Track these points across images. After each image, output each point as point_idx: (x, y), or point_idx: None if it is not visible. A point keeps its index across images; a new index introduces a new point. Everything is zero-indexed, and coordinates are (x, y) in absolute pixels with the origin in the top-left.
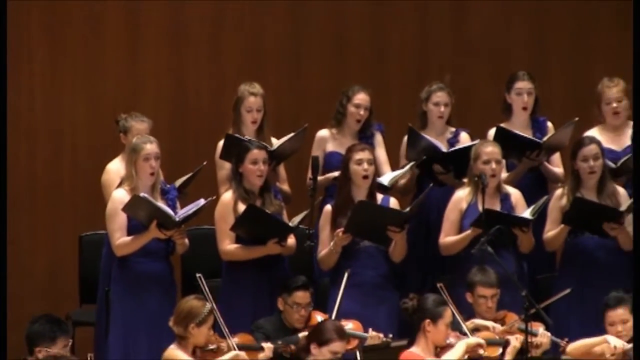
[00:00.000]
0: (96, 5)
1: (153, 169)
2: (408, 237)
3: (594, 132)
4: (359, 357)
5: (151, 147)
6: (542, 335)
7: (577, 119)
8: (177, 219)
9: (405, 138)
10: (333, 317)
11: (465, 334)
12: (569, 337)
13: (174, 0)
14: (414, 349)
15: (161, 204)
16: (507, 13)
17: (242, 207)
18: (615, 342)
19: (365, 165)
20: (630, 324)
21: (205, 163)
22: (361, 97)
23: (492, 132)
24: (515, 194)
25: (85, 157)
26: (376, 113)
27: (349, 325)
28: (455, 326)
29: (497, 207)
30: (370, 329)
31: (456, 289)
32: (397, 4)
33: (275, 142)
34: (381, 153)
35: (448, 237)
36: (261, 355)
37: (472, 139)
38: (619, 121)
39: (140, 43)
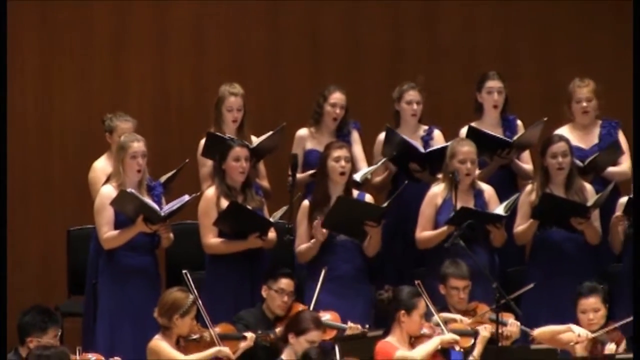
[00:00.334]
0: (85, 11)
1: (140, 166)
2: (383, 232)
3: (563, 131)
4: (337, 348)
5: (138, 145)
6: (512, 325)
7: (545, 118)
8: (163, 214)
9: (380, 136)
10: (311, 309)
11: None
12: (538, 327)
13: (158, 5)
14: (390, 339)
15: (147, 199)
16: (477, 15)
17: (224, 202)
18: (579, 330)
19: (343, 163)
20: (601, 312)
21: (187, 160)
22: (337, 97)
23: (463, 130)
24: (488, 190)
25: (74, 155)
26: (352, 112)
27: (327, 317)
28: (428, 317)
29: (471, 202)
30: (348, 321)
31: (430, 281)
32: (371, 7)
33: (255, 140)
34: (358, 150)
35: (424, 232)
36: (242, 344)
37: (445, 137)
38: (588, 120)
39: (126, 46)
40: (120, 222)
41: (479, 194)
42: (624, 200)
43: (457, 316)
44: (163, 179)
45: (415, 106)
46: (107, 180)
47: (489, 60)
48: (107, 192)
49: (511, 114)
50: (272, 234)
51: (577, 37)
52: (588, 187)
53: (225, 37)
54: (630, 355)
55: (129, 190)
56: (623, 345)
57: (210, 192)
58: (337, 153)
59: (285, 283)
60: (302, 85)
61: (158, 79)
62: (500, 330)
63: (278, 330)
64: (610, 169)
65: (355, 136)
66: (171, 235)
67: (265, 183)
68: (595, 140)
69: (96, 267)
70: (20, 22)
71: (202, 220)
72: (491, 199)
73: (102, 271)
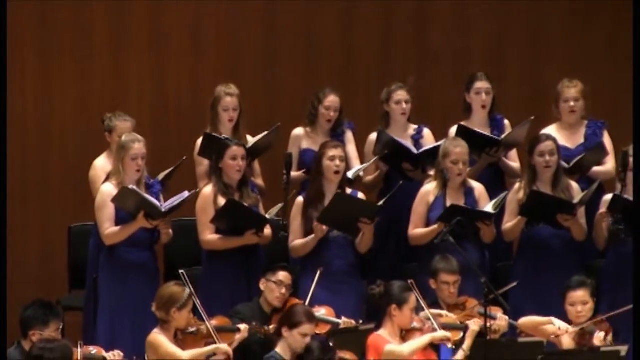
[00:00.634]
0: (84, 12)
1: (139, 167)
2: (376, 229)
3: (551, 130)
4: (330, 341)
5: (139, 146)
6: (501, 319)
7: (532, 118)
8: (164, 210)
9: (372, 135)
10: (307, 304)
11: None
12: None
13: (157, 5)
14: (381, 332)
15: (148, 196)
16: (467, 18)
17: (221, 200)
18: (559, 323)
19: (338, 162)
20: (589, 305)
21: (185, 158)
22: (331, 100)
23: (453, 129)
24: (478, 188)
25: (74, 154)
26: (345, 111)
27: (322, 312)
28: (418, 312)
29: (462, 200)
30: (342, 317)
31: (421, 276)
32: (365, 7)
33: (251, 140)
34: (351, 149)
35: (417, 229)
36: (237, 336)
37: (434, 136)
38: (574, 119)
39: (125, 47)
40: (120, 219)
41: (469, 192)
42: (608, 197)
43: (443, 312)
44: (161, 176)
45: (404, 105)
46: (107, 179)
47: (477, 61)
48: (108, 189)
49: (499, 113)
50: (267, 231)
51: (564, 40)
52: (574, 185)
53: (222, 38)
54: (615, 347)
55: (130, 186)
56: (610, 337)
57: (208, 189)
58: (332, 152)
59: (283, 275)
60: (297, 85)
61: (156, 79)
62: (489, 324)
63: (272, 327)
64: (595, 168)
65: (349, 136)
66: (170, 231)
67: (259, 181)
68: (581, 140)
69: (96, 263)
70: (20, 22)
71: (199, 217)
72: (481, 197)
73: (102, 266)
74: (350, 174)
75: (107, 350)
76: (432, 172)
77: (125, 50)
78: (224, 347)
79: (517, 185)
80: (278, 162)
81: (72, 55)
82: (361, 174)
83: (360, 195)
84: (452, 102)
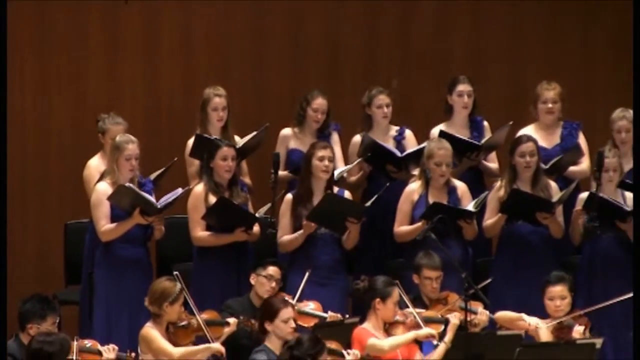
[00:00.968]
0: (80, 14)
1: (133, 167)
2: (362, 226)
3: (528, 130)
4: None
5: (133, 147)
6: (482, 314)
7: (511, 122)
8: (159, 206)
9: (355, 138)
10: (295, 301)
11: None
12: None
13: (150, 5)
14: (366, 325)
15: (143, 193)
16: (448, 22)
17: (212, 198)
18: (529, 319)
19: (326, 162)
20: (567, 300)
21: (176, 159)
22: (319, 102)
23: (434, 130)
24: (461, 187)
25: (70, 153)
26: (331, 112)
27: (311, 306)
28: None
29: (445, 199)
30: (329, 311)
31: (407, 271)
32: (351, 8)
33: (239, 140)
34: (337, 150)
35: (401, 227)
36: (226, 329)
37: (416, 137)
38: (551, 120)
39: (119, 49)
40: (115, 216)
41: (452, 191)
42: (584, 195)
43: (421, 310)
44: (153, 176)
45: (385, 109)
46: (102, 178)
47: (458, 63)
48: (103, 188)
49: (479, 115)
50: (256, 228)
51: (544, 43)
52: (553, 184)
53: (212, 40)
54: (591, 340)
55: (127, 184)
56: (587, 331)
57: (199, 188)
58: (321, 153)
59: (273, 270)
60: (285, 86)
61: (148, 81)
62: (470, 318)
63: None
64: (572, 168)
65: (335, 137)
66: (163, 227)
67: (247, 180)
68: (557, 140)
69: (92, 258)
70: (18, 22)
71: (191, 214)
72: (464, 195)
73: (98, 262)
74: (334, 175)
75: (102, 344)
76: (416, 172)
77: (119, 52)
78: (215, 346)
79: (498, 184)
80: (266, 161)
81: (68, 55)
82: (345, 174)
83: (347, 194)
84: (434, 104)
